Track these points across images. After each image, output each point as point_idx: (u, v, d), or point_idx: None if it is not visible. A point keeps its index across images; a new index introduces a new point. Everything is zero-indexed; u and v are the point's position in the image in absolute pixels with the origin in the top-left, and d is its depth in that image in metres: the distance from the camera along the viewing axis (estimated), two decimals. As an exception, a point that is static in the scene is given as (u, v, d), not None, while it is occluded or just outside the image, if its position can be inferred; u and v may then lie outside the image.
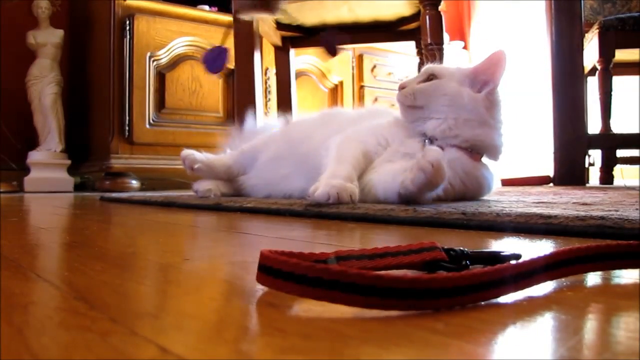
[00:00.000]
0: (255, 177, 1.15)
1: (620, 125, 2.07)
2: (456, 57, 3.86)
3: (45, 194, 2.31)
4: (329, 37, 0.96)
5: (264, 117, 1.39)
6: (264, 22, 1.76)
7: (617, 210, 0.61)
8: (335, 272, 0.24)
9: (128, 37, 2.48)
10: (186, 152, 1.21)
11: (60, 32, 2.68)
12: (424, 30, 1.50)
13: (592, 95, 2.07)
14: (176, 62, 2.62)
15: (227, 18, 2.60)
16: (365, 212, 0.72)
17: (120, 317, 0.24)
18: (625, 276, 0.33)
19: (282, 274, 0.26)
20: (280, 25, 1.88)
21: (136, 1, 2.52)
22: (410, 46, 1.96)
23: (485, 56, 0.90)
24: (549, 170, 1.78)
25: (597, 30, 1.91)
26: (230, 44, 1.61)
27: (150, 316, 0.25)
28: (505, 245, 0.48)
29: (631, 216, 0.53)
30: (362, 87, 3.31)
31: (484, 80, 0.88)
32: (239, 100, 1.78)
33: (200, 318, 0.25)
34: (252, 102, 1.69)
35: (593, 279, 0.32)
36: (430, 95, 0.88)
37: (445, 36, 1.69)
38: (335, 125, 1.03)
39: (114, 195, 1.78)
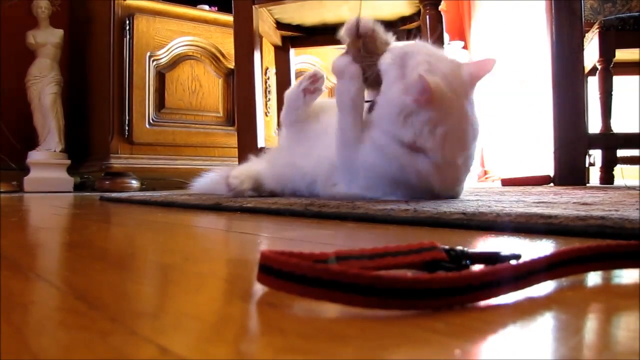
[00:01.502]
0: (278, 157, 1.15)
1: (620, 125, 2.07)
2: (456, 57, 3.85)
3: (45, 194, 2.31)
4: None
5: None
6: (264, 22, 1.76)
7: (618, 210, 0.61)
8: (335, 272, 0.24)
9: (128, 36, 2.48)
10: (320, 71, 1.15)
11: (60, 32, 2.68)
12: (424, 30, 1.50)
13: (592, 95, 2.07)
14: (176, 61, 2.62)
15: (227, 18, 2.60)
16: (365, 212, 0.72)
17: (120, 317, 0.24)
18: (625, 276, 0.33)
19: (283, 274, 0.26)
20: (280, 25, 1.88)
21: (136, 1, 2.52)
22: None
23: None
24: (549, 170, 1.78)
25: (598, 30, 1.91)
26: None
27: (150, 316, 0.25)
28: (505, 245, 0.48)
29: (631, 216, 0.53)
30: (362, 87, 3.31)
31: None
32: (239, 100, 1.78)
33: (200, 318, 0.25)
34: (252, 102, 1.69)
35: (593, 279, 0.32)
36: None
37: (445, 36, 1.69)
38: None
39: (114, 195, 1.78)
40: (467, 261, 0.32)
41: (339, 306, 0.24)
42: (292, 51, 2.01)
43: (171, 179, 2.51)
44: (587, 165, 1.81)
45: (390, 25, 1.88)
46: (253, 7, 1.64)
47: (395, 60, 0.86)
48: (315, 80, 1.11)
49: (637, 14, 1.91)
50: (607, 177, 1.96)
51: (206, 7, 2.76)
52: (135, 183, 2.51)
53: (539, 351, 0.20)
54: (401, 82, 0.84)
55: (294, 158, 1.07)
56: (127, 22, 2.48)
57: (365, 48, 0.90)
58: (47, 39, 2.63)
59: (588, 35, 1.99)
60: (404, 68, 0.85)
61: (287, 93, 1.15)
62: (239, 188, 1.09)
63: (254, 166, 1.19)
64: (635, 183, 1.86)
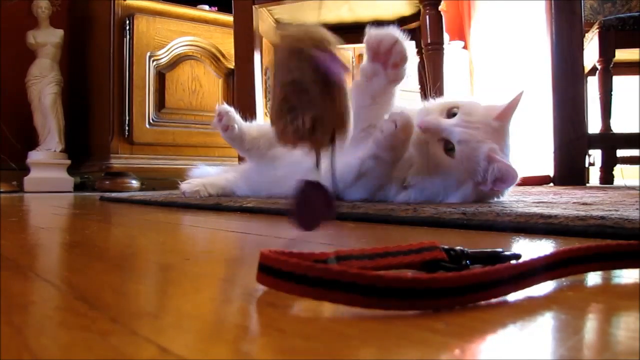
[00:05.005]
0: (247, 176, 1.15)
1: (620, 125, 2.07)
2: (456, 57, 3.86)
3: (45, 193, 2.31)
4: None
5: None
6: (264, 22, 1.76)
7: (618, 210, 0.61)
8: (335, 272, 0.24)
9: (128, 36, 2.48)
10: (225, 107, 1.12)
11: (60, 32, 2.68)
12: (424, 30, 1.50)
13: (592, 95, 2.07)
14: (176, 62, 2.62)
15: (227, 18, 2.60)
16: (366, 212, 0.72)
17: (120, 317, 0.24)
18: (625, 276, 0.33)
19: (282, 273, 0.26)
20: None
21: (136, 1, 2.52)
22: (410, 46, 1.96)
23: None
24: (549, 170, 1.78)
25: (597, 30, 1.91)
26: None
27: (150, 316, 0.25)
28: (505, 245, 0.48)
29: (631, 216, 0.53)
30: (362, 87, 3.31)
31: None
32: (239, 100, 1.78)
33: (200, 318, 0.25)
34: (252, 102, 1.69)
35: (593, 279, 0.32)
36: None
37: (445, 36, 1.69)
38: None
39: (114, 195, 1.78)
40: (467, 261, 0.32)
41: (339, 306, 0.24)
42: (292, 51, 2.01)
43: (171, 179, 2.51)
44: (587, 165, 1.81)
45: (390, 25, 1.88)
46: (253, 7, 1.64)
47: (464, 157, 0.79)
48: (220, 118, 1.12)
49: (637, 14, 1.91)
50: (607, 177, 1.96)
51: (206, 7, 2.76)
52: (135, 183, 2.51)
53: (539, 351, 0.20)
54: (484, 171, 0.79)
55: (267, 167, 1.09)
56: (127, 22, 2.48)
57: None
58: (47, 39, 2.63)
59: (588, 35, 1.99)
60: (471, 160, 0.79)
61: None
62: (189, 191, 1.15)
63: (218, 177, 1.23)
64: (635, 183, 1.86)
